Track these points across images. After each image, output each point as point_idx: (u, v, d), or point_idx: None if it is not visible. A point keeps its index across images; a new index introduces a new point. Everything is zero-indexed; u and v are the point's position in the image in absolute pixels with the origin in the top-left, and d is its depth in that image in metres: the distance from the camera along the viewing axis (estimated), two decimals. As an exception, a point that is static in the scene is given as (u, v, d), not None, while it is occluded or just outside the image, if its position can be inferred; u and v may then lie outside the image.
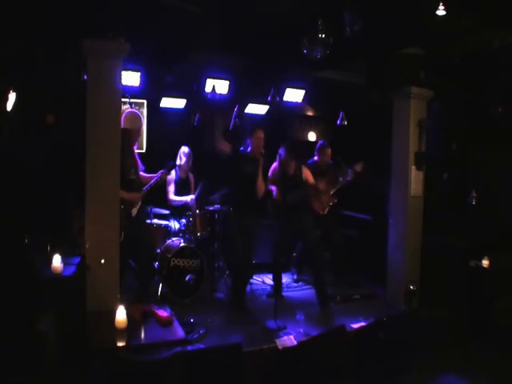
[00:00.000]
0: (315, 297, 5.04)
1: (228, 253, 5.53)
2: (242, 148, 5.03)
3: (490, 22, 4.20)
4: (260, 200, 4.87)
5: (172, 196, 5.48)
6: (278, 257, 5.22)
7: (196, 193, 5.53)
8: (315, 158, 5.70)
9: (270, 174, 5.12)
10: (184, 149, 5.54)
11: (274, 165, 5.11)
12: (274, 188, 5.01)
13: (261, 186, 4.81)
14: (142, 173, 4.54)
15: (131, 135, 4.31)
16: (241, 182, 4.83)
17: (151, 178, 4.56)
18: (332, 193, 5.52)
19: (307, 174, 5.07)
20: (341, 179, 5.50)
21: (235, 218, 4.85)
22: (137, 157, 4.46)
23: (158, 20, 4.42)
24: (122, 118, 4.25)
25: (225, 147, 6.82)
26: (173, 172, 5.47)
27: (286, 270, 5.99)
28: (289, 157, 4.94)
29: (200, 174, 5.70)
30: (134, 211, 4.34)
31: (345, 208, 5.85)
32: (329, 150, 5.65)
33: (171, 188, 5.49)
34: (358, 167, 5.39)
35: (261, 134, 4.80)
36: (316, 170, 5.39)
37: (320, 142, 5.83)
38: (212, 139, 6.84)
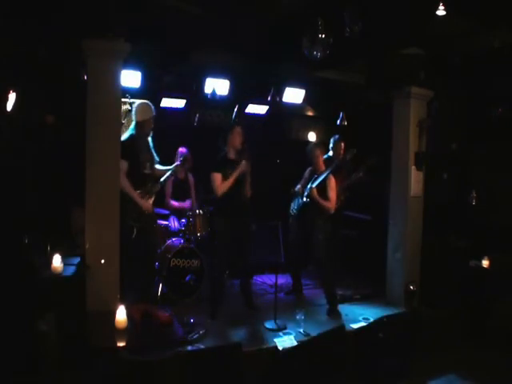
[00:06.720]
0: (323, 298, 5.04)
1: (211, 253, 5.29)
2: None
3: (490, 22, 4.20)
4: (248, 200, 4.61)
5: (170, 200, 5.50)
6: (293, 255, 5.11)
7: (196, 205, 5.51)
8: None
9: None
10: (180, 150, 5.50)
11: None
12: None
13: (248, 190, 4.54)
14: (157, 166, 4.50)
15: (144, 127, 4.24)
16: None
17: (165, 171, 4.53)
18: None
19: (331, 182, 4.88)
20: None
21: (220, 220, 4.59)
22: (152, 150, 4.39)
23: (158, 20, 4.43)
24: (133, 111, 4.23)
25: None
26: None
27: (286, 271, 5.99)
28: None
29: (200, 175, 5.69)
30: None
31: (344, 208, 5.83)
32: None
33: (169, 190, 5.48)
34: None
35: (239, 129, 4.52)
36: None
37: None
38: (212, 139, 6.82)
